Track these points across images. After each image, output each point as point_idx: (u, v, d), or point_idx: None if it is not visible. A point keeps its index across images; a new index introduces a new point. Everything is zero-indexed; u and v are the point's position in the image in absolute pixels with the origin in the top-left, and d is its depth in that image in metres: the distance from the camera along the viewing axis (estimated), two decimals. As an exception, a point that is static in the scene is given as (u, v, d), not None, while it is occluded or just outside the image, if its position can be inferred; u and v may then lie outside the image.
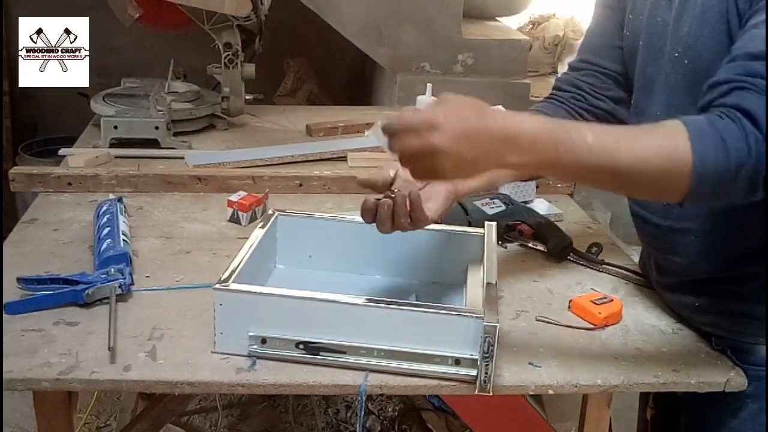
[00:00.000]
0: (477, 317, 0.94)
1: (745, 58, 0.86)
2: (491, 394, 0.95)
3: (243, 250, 1.08)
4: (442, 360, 0.96)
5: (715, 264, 1.06)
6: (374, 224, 1.03)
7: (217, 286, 0.97)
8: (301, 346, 0.98)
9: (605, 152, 0.84)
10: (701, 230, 1.05)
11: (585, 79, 1.25)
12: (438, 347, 0.96)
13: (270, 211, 1.22)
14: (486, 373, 0.94)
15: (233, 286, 0.98)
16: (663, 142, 0.84)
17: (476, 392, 0.95)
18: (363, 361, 0.97)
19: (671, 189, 0.85)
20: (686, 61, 1.01)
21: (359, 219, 1.04)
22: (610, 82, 1.24)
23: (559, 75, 1.33)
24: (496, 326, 0.92)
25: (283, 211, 1.22)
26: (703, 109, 0.88)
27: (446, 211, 1.09)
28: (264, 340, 0.98)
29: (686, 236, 1.07)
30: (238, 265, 1.03)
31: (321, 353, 0.98)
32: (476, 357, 0.94)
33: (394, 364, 0.97)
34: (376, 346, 0.97)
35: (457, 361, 0.96)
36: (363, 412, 0.96)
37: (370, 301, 0.98)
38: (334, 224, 1.22)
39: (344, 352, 0.97)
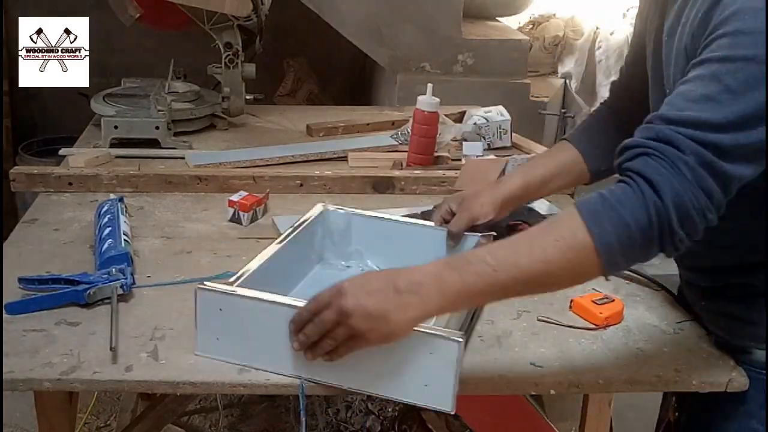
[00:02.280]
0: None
1: (660, 121, 0.86)
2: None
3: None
4: None
5: (720, 265, 1.06)
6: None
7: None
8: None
9: (509, 265, 0.85)
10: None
11: (635, 85, 1.19)
12: None
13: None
14: None
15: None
16: (559, 235, 0.85)
17: None
18: None
19: (586, 273, 0.87)
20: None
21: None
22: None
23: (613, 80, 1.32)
24: None
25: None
26: (615, 171, 0.89)
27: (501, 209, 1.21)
28: None
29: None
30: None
31: None
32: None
33: None
34: None
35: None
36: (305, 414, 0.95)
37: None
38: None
39: None
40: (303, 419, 0.95)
